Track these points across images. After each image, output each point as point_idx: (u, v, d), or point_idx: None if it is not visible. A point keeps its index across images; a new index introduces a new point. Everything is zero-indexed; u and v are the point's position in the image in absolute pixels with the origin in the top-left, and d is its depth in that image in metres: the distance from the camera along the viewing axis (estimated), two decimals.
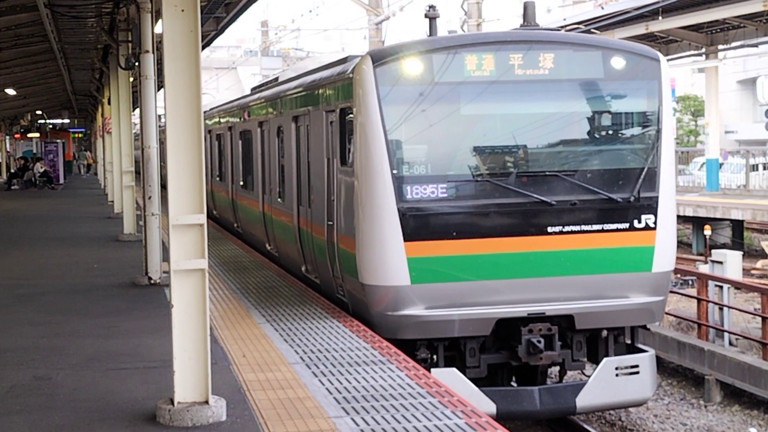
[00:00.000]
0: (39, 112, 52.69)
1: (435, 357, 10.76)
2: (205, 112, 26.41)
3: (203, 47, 20.25)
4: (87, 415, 7.47)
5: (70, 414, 7.53)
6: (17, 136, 57.96)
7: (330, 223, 11.90)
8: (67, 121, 58.17)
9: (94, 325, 11.11)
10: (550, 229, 10.74)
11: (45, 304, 12.65)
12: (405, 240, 10.42)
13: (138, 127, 17.91)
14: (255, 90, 21.00)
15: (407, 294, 10.49)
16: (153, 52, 14.55)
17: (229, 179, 21.53)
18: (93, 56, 27.22)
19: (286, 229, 14.93)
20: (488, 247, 10.63)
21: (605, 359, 11.06)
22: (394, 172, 10.46)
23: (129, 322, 11.26)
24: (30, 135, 56.92)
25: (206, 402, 7.23)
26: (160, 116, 22.89)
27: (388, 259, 10.49)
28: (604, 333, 11.23)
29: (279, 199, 15.54)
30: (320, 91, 12.69)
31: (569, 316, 10.84)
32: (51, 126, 57.35)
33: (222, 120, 23.34)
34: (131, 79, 21.08)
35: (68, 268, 16.22)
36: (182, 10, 7.11)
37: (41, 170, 45.36)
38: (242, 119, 19.73)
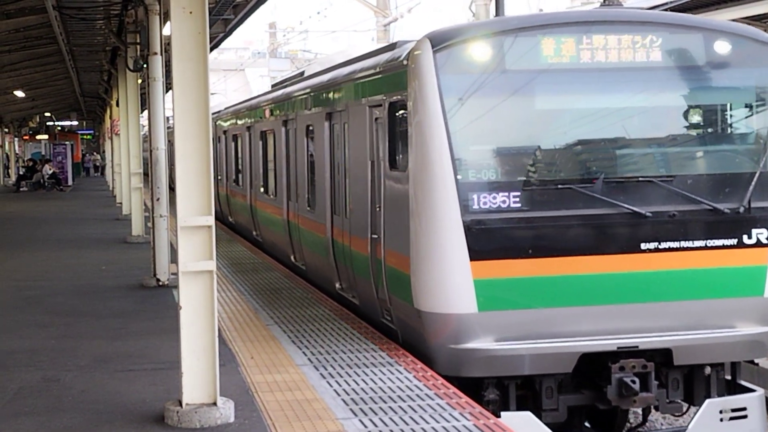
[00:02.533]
0: (48, 114, 52.85)
1: (504, 397, 9.05)
2: (219, 111, 25.93)
3: (211, 49, 20.31)
4: (95, 417, 7.48)
5: (78, 415, 7.54)
6: (26, 138, 58.15)
7: (374, 236, 10.34)
8: (75, 123, 58.39)
9: (102, 327, 11.13)
10: (643, 246, 9.04)
11: (53, 306, 12.68)
12: (471, 259, 8.76)
13: (146, 128, 17.95)
14: (276, 86, 19.54)
15: (474, 323, 8.83)
16: (161, 54, 14.58)
17: (248, 184, 20.09)
18: (101, 58, 27.29)
19: (316, 241, 13.43)
20: (570, 268, 8.95)
21: (708, 401, 9.19)
22: (459, 177, 8.83)
23: (137, 324, 11.27)
24: (39, 137, 57.11)
25: (214, 403, 7.23)
26: (168, 118, 22.96)
27: (451, 281, 8.84)
28: (707, 370, 9.45)
29: (308, 207, 14.02)
30: (362, 83, 11.11)
31: (666, 350, 9.06)
32: (59, 128, 57.52)
33: (239, 120, 21.93)
34: (139, 81, 21.14)
35: (76, 270, 16.25)
36: (190, 12, 7.12)
37: (50, 172, 45.49)
38: (263, 118, 18.28)
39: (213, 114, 26.21)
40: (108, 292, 13.73)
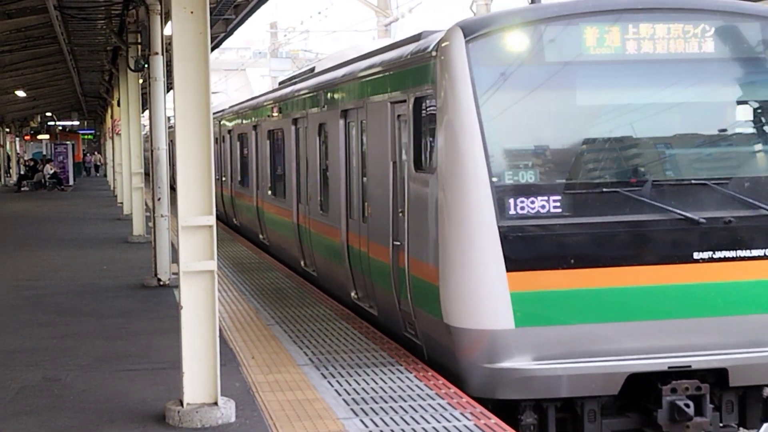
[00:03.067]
0: (49, 114, 52.91)
1: (543, 421, 8.30)
2: (223, 110, 25.52)
3: (212, 49, 20.25)
4: (96, 416, 7.48)
5: (79, 415, 7.54)
6: (27, 137, 58.18)
7: (397, 243, 9.62)
8: (76, 122, 58.42)
9: (104, 327, 11.14)
10: (696, 255, 8.23)
11: (54, 306, 12.68)
12: (508, 269, 8.00)
13: (147, 128, 17.97)
14: (284, 84, 18.67)
15: (510, 341, 8.06)
16: (162, 54, 14.58)
17: (255, 185, 19.33)
18: (102, 58, 27.31)
19: (329, 247, 12.73)
20: (616, 280, 8.16)
21: (765, 424, 8.27)
22: (494, 179, 8.07)
23: (138, 324, 11.28)
24: (40, 137, 57.16)
25: (215, 403, 7.24)
26: (169, 118, 22.97)
27: (485, 294, 8.08)
28: (766, 391, 8.65)
29: (321, 211, 13.27)
30: (383, 77, 10.33)
31: (722, 369, 8.25)
32: (61, 128, 57.56)
33: (245, 119, 21.09)
34: (141, 80, 21.14)
35: (77, 270, 16.26)
36: (191, 12, 7.13)
37: (51, 172, 45.52)
38: (271, 117, 17.48)
39: (217, 113, 25.96)
40: (109, 292, 13.73)
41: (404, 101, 9.45)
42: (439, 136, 8.43)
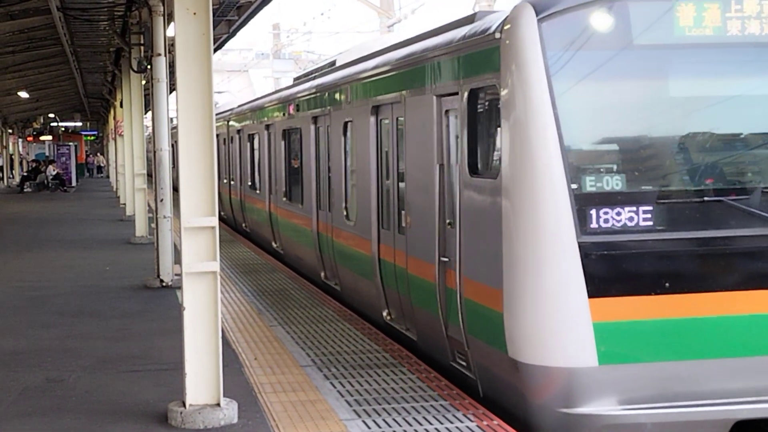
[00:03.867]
0: (51, 115, 52.94)
1: None
2: (232, 110, 24.79)
3: (215, 50, 20.28)
4: (99, 418, 7.48)
5: (82, 416, 7.54)
6: (30, 138, 58.24)
7: (445, 259, 8.45)
8: (79, 123, 58.45)
9: (106, 328, 11.14)
10: None
11: (57, 307, 12.69)
12: (590, 295, 6.75)
13: (150, 129, 17.98)
14: (301, 80, 17.22)
15: (592, 381, 6.81)
16: (165, 55, 14.60)
17: (267, 188, 18.20)
18: (105, 59, 27.32)
19: (356, 260, 11.63)
20: (721, 307, 6.89)
21: None
22: (574, 186, 6.85)
23: (141, 325, 11.28)
24: (42, 138, 57.20)
25: (218, 404, 7.24)
26: (172, 119, 22.96)
27: (562, 325, 6.82)
28: None
29: (346, 219, 12.03)
30: (427, 67, 9.01)
31: None
32: (63, 129, 57.61)
33: (256, 118, 19.94)
34: (143, 82, 21.17)
35: (80, 271, 16.27)
36: (194, 13, 7.13)
37: (53, 173, 45.57)
38: (286, 115, 16.32)
39: (224, 112, 25.61)
40: (112, 293, 13.74)
41: (455, 94, 8.21)
42: (504, 135, 7.18)
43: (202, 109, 7.18)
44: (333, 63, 15.20)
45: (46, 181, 45.00)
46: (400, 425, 7.13)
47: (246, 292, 13.36)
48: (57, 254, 18.87)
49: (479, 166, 7.82)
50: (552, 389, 6.90)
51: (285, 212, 16.51)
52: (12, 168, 55.45)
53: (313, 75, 15.82)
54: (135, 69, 18.55)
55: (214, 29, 7.44)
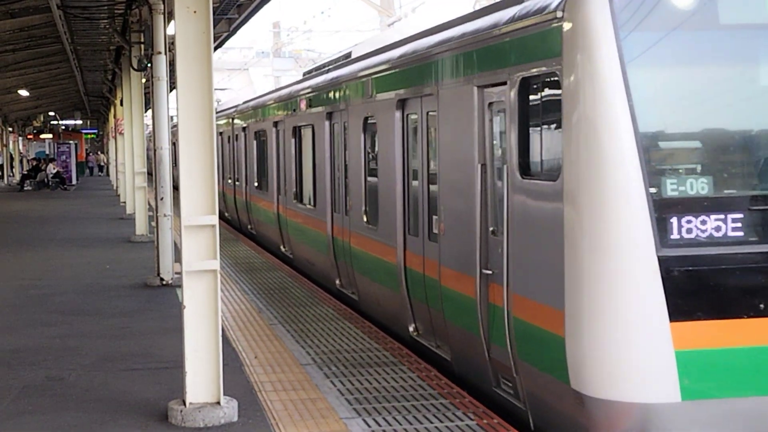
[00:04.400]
0: (52, 113, 52.95)
1: None
2: (236, 106, 24.21)
3: (215, 48, 20.30)
4: (99, 416, 7.48)
5: (82, 414, 7.54)
6: (30, 137, 58.26)
7: (488, 272, 7.54)
8: (79, 122, 58.47)
9: (106, 326, 11.14)
10: None
11: (57, 305, 12.68)
12: (672, 318, 5.83)
13: (150, 128, 17.97)
14: (311, 74, 16.25)
15: (674, 419, 5.88)
16: (165, 54, 14.59)
17: (275, 189, 17.33)
18: (105, 57, 27.32)
19: (379, 268, 10.79)
20: None
21: None
22: (652, 191, 5.93)
23: (141, 323, 11.28)
24: (43, 136, 57.22)
25: (218, 403, 7.24)
26: (172, 117, 22.94)
27: (639, 353, 5.88)
28: None
29: (366, 224, 11.20)
30: (466, 54, 8.00)
31: None
32: (63, 127, 57.62)
33: (263, 115, 19.02)
34: (144, 80, 21.16)
35: (80, 269, 16.26)
36: (195, 12, 7.13)
37: (54, 171, 45.58)
38: (297, 111, 15.39)
39: (227, 109, 25.32)
40: (112, 292, 13.74)
41: (503, 84, 7.23)
42: (567, 130, 6.21)
43: (202, 108, 7.18)
44: (348, 55, 14.15)
45: (46, 180, 45.01)
46: (401, 424, 7.13)
47: (246, 291, 13.36)
48: (57, 253, 18.87)
49: (533, 166, 6.86)
50: (624, 428, 5.92)
51: (295, 214, 15.60)
52: (12, 166, 55.46)
53: (327, 68, 14.93)
54: (135, 67, 18.53)
55: (214, 27, 7.43)
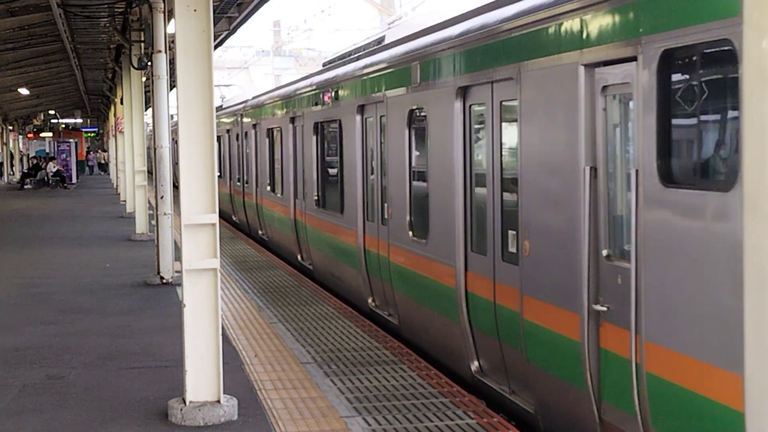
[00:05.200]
0: (52, 112, 52.93)
1: None
2: (245, 102, 22.97)
3: (215, 47, 20.27)
4: (99, 414, 7.48)
5: (82, 413, 7.54)
6: (30, 135, 58.26)
7: (601, 308, 6.05)
8: (79, 120, 58.44)
9: (107, 324, 11.14)
10: None
11: (57, 303, 12.69)
12: None
13: (150, 126, 17.94)
14: (333, 64, 14.61)
15: None
16: (165, 52, 14.59)
17: (292, 192, 15.92)
18: (106, 56, 27.30)
19: (427, 289, 9.37)
20: None
21: None
22: None
23: (141, 322, 11.28)
24: (43, 134, 57.21)
25: (218, 401, 7.24)
26: (172, 116, 22.91)
27: None
28: None
29: (412, 236, 9.73)
30: (564, 26, 6.43)
31: None
32: (64, 125, 57.61)
33: (278, 110, 17.33)
34: (144, 78, 21.15)
35: (81, 268, 16.26)
36: (195, 10, 7.12)
37: (54, 170, 45.58)
38: (317, 105, 13.93)
39: (236, 105, 24.61)
40: (112, 290, 13.74)
41: (628, 60, 5.68)
42: (750, 121, 4.58)
43: (202, 106, 7.18)
44: (381, 40, 12.73)
45: (46, 178, 45.01)
46: (401, 423, 7.13)
47: (246, 289, 13.36)
48: (57, 251, 18.87)
49: (682, 171, 5.35)
50: None
51: (317, 222, 13.98)
52: (12, 165, 55.47)
53: (355, 56, 13.19)
54: (135, 66, 18.54)
55: (214, 26, 7.43)
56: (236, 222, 23.95)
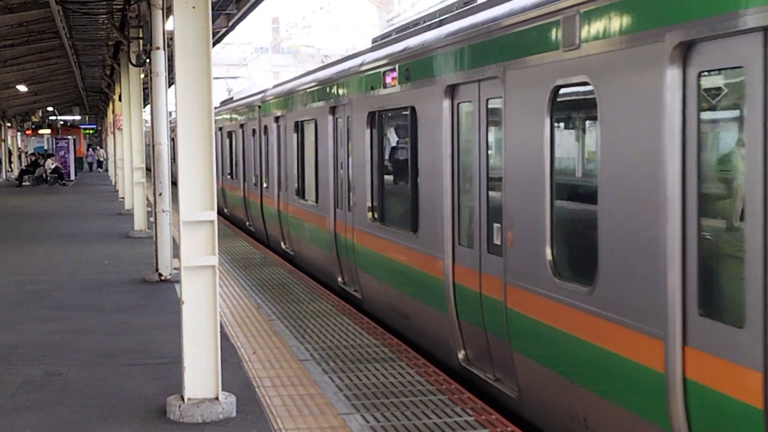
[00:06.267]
0: (50, 109, 52.91)
1: None
2: (264, 92, 20.24)
3: (214, 44, 20.22)
4: (97, 411, 7.48)
5: (80, 410, 7.55)
6: (28, 132, 58.22)
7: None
8: (78, 117, 58.45)
9: (105, 322, 11.14)
10: None
11: (56, 301, 12.69)
12: None
13: (149, 123, 17.88)
14: (387, 39, 11.69)
15: None
16: (164, 49, 14.58)
17: (330, 200, 13.06)
18: (104, 53, 27.29)
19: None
20: None
21: None
22: None
23: (139, 319, 11.28)
24: (41, 131, 57.19)
25: (216, 398, 7.24)
26: (170, 113, 22.88)
27: None
28: None
29: (554, 275, 6.80)
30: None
31: None
32: (62, 122, 57.58)
33: (310, 99, 14.45)
34: (142, 75, 21.14)
35: (79, 265, 16.26)
36: (193, 7, 7.12)
37: (52, 166, 45.56)
38: (374, 90, 10.90)
39: (253, 95, 22.05)
40: (111, 287, 13.74)
41: None
42: None
43: (201, 103, 7.17)
44: (467, 1, 9.55)
45: (44, 175, 45.00)
46: (399, 420, 7.14)
47: (245, 287, 13.37)
48: (56, 248, 18.86)
49: None
50: None
51: (374, 241, 11.00)
52: (11, 162, 55.45)
53: (428, 23, 10.23)
54: (134, 63, 18.53)
55: (213, 23, 7.42)
56: (250, 230, 21.36)
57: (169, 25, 14.05)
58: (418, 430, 6.87)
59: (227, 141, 25.46)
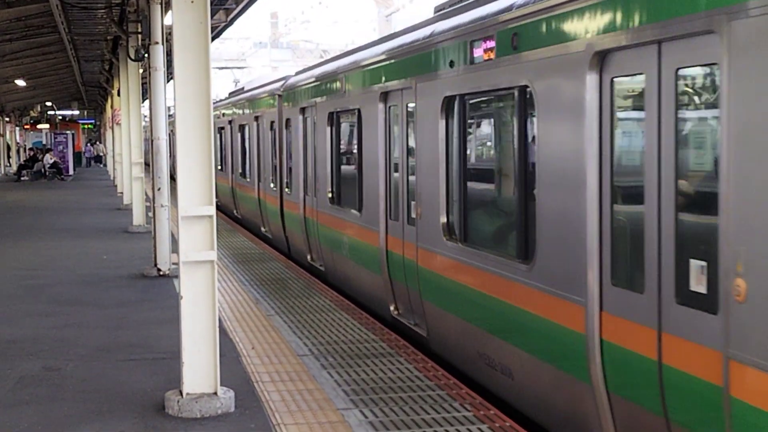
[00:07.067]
0: (49, 103, 52.90)
1: None
2: (285, 78, 18.14)
3: (213, 39, 20.21)
4: (96, 406, 7.48)
5: (79, 405, 7.54)
6: (27, 127, 58.19)
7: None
8: (76, 112, 58.44)
9: (104, 316, 11.14)
10: None
11: (54, 295, 12.68)
12: None
13: (147, 118, 17.87)
14: (452, 6, 9.37)
15: None
16: (163, 44, 14.56)
17: (380, 210, 10.86)
18: (103, 47, 27.28)
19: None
20: None
21: None
22: None
23: (138, 314, 11.27)
24: (40, 126, 57.16)
25: (215, 393, 7.24)
26: (169, 108, 22.85)
27: None
28: None
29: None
30: None
31: None
32: (61, 117, 57.56)
33: (350, 84, 12.09)
34: (141, 70, 21.12)
35: (78, 260, 16.26)
36: (192, 2, 7.10)
37: (51, 161, 45.54)
38: (452, 67, 8.50)
39: (271, 83, 19.63)
40: (109, 282, 13.73)
41: None
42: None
43: (199, 98, 7.16)
44: None
45: (43, 170, 44.98)
46: (397, 415, 7.14)
47: (243, 282, 13.36)
48: (54, 243, 18.85)
49: None
50: None
51: (452, 267, 8.67)
52: (9, 156, 55.43)
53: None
54: (132, 57, 18.52)
55: (211, 17, 7.41)
56: (265, 235, 19.15)
57: (168, 19, 14.03)
58: (416, 425, 6.88)
59: (238, 135, 22.70)
